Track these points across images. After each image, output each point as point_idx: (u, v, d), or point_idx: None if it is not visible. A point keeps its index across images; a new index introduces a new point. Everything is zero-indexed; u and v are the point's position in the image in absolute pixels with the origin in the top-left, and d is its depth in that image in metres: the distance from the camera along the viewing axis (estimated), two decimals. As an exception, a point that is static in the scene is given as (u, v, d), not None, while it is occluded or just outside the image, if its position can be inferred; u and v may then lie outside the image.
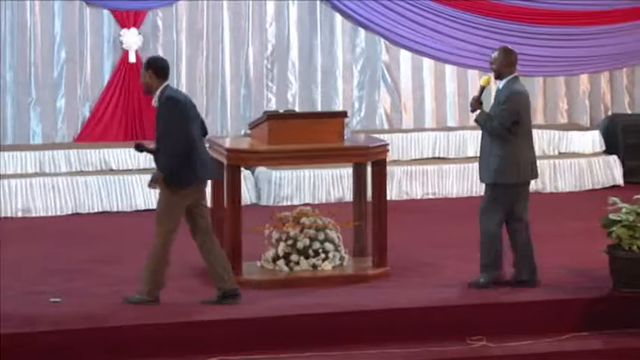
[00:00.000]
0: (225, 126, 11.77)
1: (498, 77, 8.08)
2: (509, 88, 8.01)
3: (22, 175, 10.70)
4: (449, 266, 8.68)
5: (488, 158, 7.99)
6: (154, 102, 7.60)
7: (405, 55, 12.17)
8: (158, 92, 7.56)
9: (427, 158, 11.87)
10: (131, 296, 7.62)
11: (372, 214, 8.46)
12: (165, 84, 7.60)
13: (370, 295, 7.90)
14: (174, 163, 7.46)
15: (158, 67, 7.61)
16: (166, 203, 7.60)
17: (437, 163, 11.75)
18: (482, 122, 8.03)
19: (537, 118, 12.44)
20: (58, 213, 10.59)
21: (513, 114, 7.92)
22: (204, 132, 7.76)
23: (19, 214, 10.50)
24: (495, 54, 8.11)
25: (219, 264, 7.65)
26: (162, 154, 7.54)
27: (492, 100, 8.14)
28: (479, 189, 11.60)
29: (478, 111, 8.07)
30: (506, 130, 7.90)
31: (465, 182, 11.67)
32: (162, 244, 7.61)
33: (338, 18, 11.98)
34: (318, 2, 11.89)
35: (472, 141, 11.93)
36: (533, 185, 11.67)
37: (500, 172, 7.93)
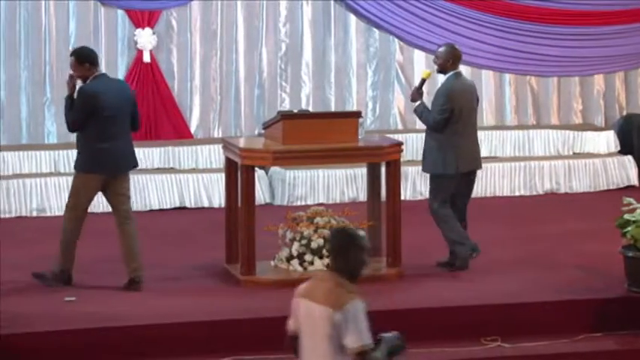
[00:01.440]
0: (239, 126, 11.78)
1: (441, 72, 8.46)
2: (448, 84, 8.39)
3: (37, 175, 10.72)
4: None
5: (427, 150, 8.47)
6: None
7: (419, 55, 12.15)
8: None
9: (441, 158, 11.84)
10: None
11: (386, 214, 8.46)
12: (98, 72, 8.09)
13: (384, 295, 7.90)
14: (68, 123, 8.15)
15: (81, 55, 8.10)
16: (71, 187, 8.14)
17: (451, 163, 11.72)
18: (419, 114, 8.51)
19: (552, 118, 12.42)
20: (73, 212, 10.59)
21: (446, 110, 8.31)
22: (134, 127, 8.33)
23: (34, 214, 10.52)
24: (441, 49, 8.49)
25: (128, 252, 8.01)
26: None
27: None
28: (493, 189, 11.60)
29: (418, 102, 8.44)
30: (438, 124, 8.33)
31: (479, 182, 11.62)
32: (65, 227, 8.08)
33: (352, 18, 11.98)
34: (332, 2, 11.89)
35: (486, 141, 11.90)
36: (548, 185, 11.76)
37: (435, 163, 8.40)
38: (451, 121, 8.36)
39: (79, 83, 8.11)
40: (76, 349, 7.04)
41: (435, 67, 8.54)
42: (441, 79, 8.66)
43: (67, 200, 8.21)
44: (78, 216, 8.11)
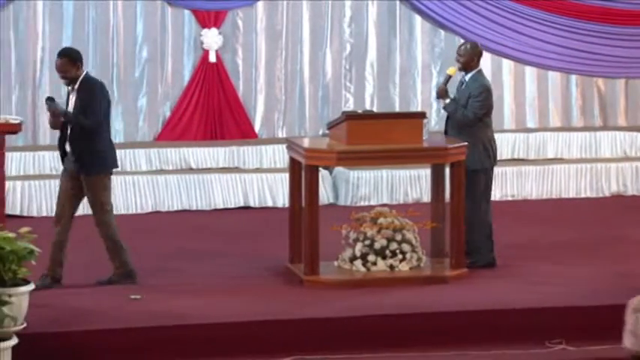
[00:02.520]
0: (304, 126, 11.80)
1: (465, 69, 8.61)
2: (481, 81, 8.62)
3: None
4: (527, 268, 8.61)
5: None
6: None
7: (484, 56, 12.06)
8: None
9: (506, 160, 11.77)
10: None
11: (450, 216, 8.42)
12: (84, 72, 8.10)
13: (448, 296, 7.87)
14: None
15: (73, 55, 8.08)
16: (103, 188, 8.07)
17: (516, 164, 11.66)
18: (452, 110, 8.58)
19: (619, 119, 12.28)
20: (139, 211, 10.69)
21: (485, 106, 8.55)
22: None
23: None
24: (464, 47, 8.69)
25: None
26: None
27: (456, 90, 8.66)
28: (558, 191, 11.51)
29: (447, 100, 8.59)
30: (478, 120, 8.50)
31: (545, 184, 11.55)
32: (114, 230, 8.12)
33: (417, 18, 11.94)
34: (397, 2, 11.87)
35: (552, 142, 11.82)
36: (615, 188, 11.63)
37: (476, 158, 8.47)
38: (486, 116, 8.59)
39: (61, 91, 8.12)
40: (140, 347, 7.09)
41: (458, 64, 8.67)
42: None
43: (100, 205, 8.02)
44: (63, 224, 8.10)
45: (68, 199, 8.04)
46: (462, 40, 11.91)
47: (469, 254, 8.48)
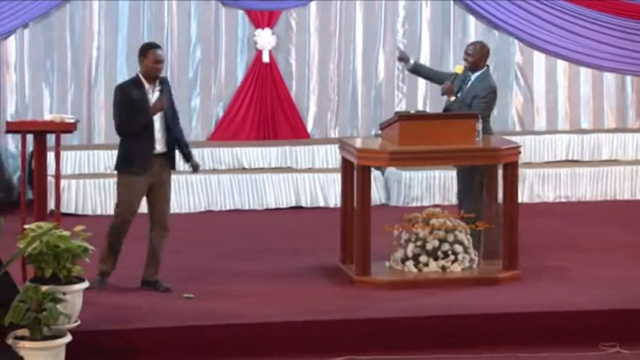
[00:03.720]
0: (356, 126, 11.80)
1: (472, 69, 8.65)
2: (487, 81, 8.69)
3: (157, 173, 10.87)
4: (581, 270, 8.54)
5: None
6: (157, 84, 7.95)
7: (538, 56, 12.02)
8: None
9: (560, 161, 11.70)
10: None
11: (502, 217, 8.38)
12: None
13: (500, 298, 7.84)
14: None
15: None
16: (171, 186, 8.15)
17: (570, 166, 11.57)
18: (457, 109, 8.59)
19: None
20: (191, 210, 10.75)
21: (490, 107, 8.70)
22: None
23: (154, 211, 10.67)
24: (474, 46, 8.77)
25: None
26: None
27: (464, 89, 8.65)
28: (613, 193, 11.40)
29: (452, 98, 8.62)
30: (484, 118, 8.54)
31: (599, 186, 11.46)
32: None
33: (471, 18, 11.90)
34: (451, 2, 11.83)
35: (607, 144, 11.72)
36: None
37: None
38: (488, 115, 8.71)
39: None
40: (191, 346, 7.13)
41: (465, 64, 8.70)
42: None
43: (169, 204, 8.11)
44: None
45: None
46: (517, 41, 11.91)
47: None
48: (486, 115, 8.64)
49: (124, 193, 7.97)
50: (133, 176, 7.91)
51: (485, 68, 8.78)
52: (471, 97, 8.63)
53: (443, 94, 8.81)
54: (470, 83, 8.69)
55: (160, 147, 7.97)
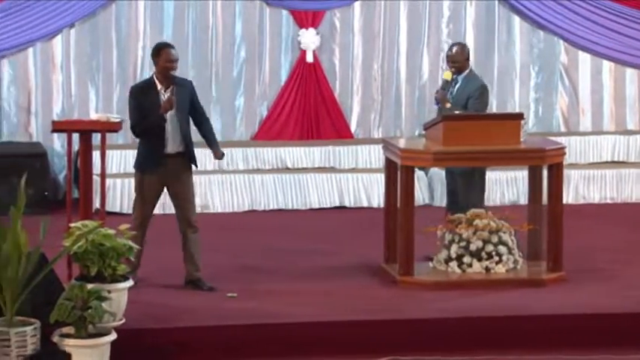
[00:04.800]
0: (399, 126, 11.78)
1: (459, 71, 8.59)
2: (478, 81, 8.66)
3: (201, 172, 10.86)
4: (626, 272, 8.48)
5: None
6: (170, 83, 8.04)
7: (584, 57, 11.94)
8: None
9: (606, 162, 11.61)
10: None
11: (547, 218, 8.34)
12: None
13: (544, 299, 7.80)
14: None
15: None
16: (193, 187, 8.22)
17: (616, 167, 11.48)
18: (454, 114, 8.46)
19: None
20: (235, 210, 10.78)
21: (486, 105, 8.65)
22: None
23: (198, 210, 10.67)
24: (456, 49, 8.68)
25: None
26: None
27: (453, 92, 8.62)
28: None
29: (448, 105, 8.54)
30: None
31: (634, 187, 11.36)
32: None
33: (516, 19, 11.84)
34: (496, 2, 11.78)
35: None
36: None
37: None
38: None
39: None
40: (235, 345, 7.15)
41: (452, 69, 8.64)
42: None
43: (191, 202, 8.17)
44: None
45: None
46: (562, 41, 11.84)
47: None
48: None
49: (137, 192, 8.12)
50: (146, 175, 8.03)
51: (470, 67, 8.75)
52: (464, 98, 8.59)
53: (437, 104, 8.75)
54: (458, 85, 8.66)
55: (173, 147, 8.03)
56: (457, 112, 8.52)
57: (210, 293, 7.90)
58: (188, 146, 8.09)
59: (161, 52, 8.09)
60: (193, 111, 8.16)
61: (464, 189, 8.64)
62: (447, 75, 8.70)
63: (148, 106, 7.98)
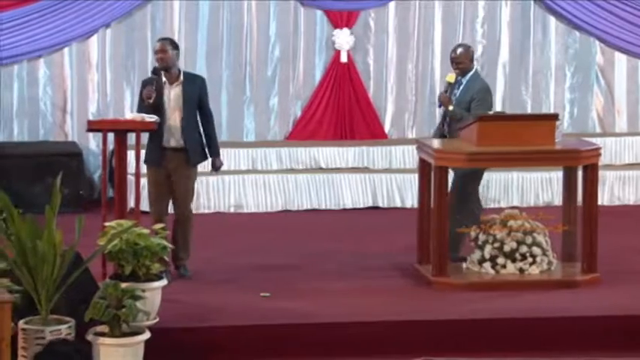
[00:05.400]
0: (434, 127, 11.72)
1: (463, 73, 8.54)
2: (481, 83, 8.63)
3: (235, 172, 10.95)
4: (662, 275, 8.43)
5: None
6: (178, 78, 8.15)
7: (619, 57, 11.87)
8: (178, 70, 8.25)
9: (640, 163, 11.56)
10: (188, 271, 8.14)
11: (581, 219, 8.30)
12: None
13: (578, 301, 7.76)
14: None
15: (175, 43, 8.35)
16: (194, 181, 8.27)
17: (651, 168, 11.42)
18: (459, 116, 8.47)
19: None
20: (269, 210, 10.79)
21: (490, 106, 8.55)
22: None
23: (232, 210, 10.76)
24: (460, 50, 8.61)
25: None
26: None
27: (457, 94, 8.56)
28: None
29: (451, 107, 8.48)
30: None
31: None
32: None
33: (551, 19, 11.79)
34: (531, 3, 11.73)
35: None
36: None
37: None
38: None
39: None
40: (268, 344, 7.16)
41: (456, 70, 8.58)
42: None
43: (191, 199, 8.26)
44: None
45: None
46: (598, 42, 11.77)
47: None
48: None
49: (148, 185, 8.24)
50: (151, 169, 8.15)
51: (475, 69, 8.71)
52: (467, 99, 8.55)
53: (440, 106, 8.71)
54: (462, 86, 8.61)
55: (174, 142, 8.12)
56: (459, 114, 8.49)
57: (245, 293, 7.90)
58: (187, 142, 8.12)
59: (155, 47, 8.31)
60: (200, 108, 8.24)
61: (463, 191, 8.59)
62: (450, 77, 8.66)
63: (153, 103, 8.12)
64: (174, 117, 8.12)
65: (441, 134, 8.76)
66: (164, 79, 8.18)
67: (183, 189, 8.16)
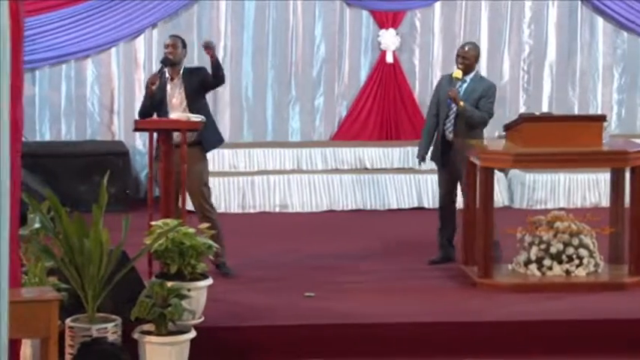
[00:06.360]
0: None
1: (467, 71, 8.51)
2: (487, 81, 8.71)
3: (280, 172, 10.97)
4: None
5: (463, 148, 8.42)
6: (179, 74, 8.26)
7: (666, 58, 11.78)
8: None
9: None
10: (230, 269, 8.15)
11: (629, 221, 8.23)
12: None
13: (625, 303, 7.69)
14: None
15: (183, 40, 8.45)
16: (207, 172, 8.32)
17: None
18: (470, 112, 8.45)
19: None
20: (313, 210, 10.80)
21: (494, 103, 8.57)
22: None
23: (277, 210, 10.78)
24: (469, 47, 8.62)
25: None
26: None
27: (461, 92, 8.50)
28: None
29: (462, 103, 8.43)
30: (490, 119, 8.58)
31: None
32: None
33: (599, 19, 11.70)
34: (579, 3, 11.65)
35: None
36: None
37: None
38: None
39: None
40: (313, 344, 7.17)
41: (460, 65, 8.55)
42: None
43: (208, 193, 8.28)
44: None
45: None
46: None
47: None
48: (492, 115, 8.59)
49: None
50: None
51: (477, 69, 8.72)
52: (476, 97, 8.51)
53: (450, 103, 8.59)
54: (466, 85, 8.56)
55: (176, 137, 8.08)
56: (470, 110, 8.45)
57: (289, 293, 7.90)
58: (198, 136, 8.16)
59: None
60: (206, 84, 8.29)
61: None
62: (458, 73, 8.60)
63: (155, 91, 8.21)
64: (177, 111, 8.19)
65: (434, 141, 8.73)
66: (167, 74, 8.28)
67: (200, 183, 8.20)
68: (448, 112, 8.61)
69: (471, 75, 8.60)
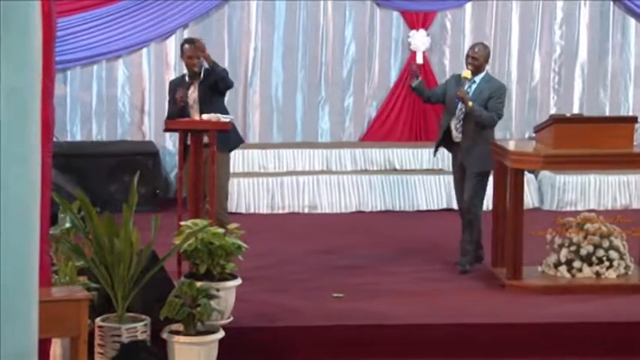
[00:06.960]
0: (509, 128, 11.68)
1: (476, 71, 8.47)
2: (497, 82, 8.65)
3: (309, 172, 10.98)
4: None
5: (474, 147, 8.38)
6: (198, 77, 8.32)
7: (699, 59, 11.71)
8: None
9: None
10: None
11: (660, 223, 8.19)
12: None
13: (655, 306, 7.66)
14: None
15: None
16: (227, 166, 8.41)
17: None
18: (479, 113, 8.39)
19: None
20: (342, 210, 10.81)
21: (504, 105, 8.53)
22: None
23: (306, 210, 10.79)
24: (479, 48, 8.57)
25: None
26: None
27: (469, 93, 8.45)
28: None
29: (471, 103, 8.36)
30: (499, 119, 8.49)
31: None
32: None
33: (631, 20, 11.65)
34: (611, 3, 11.60)
35: None
36: None
37: (485, 160, 8.37)
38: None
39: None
40: (341, 345, 7.17)
41: (469, 66, 8.51)
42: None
43: (224, 195, 8.35)
44: None
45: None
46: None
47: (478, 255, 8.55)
48: (501, 116, 8.51)
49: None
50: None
51: (486, 70, 8.66)
52: (485, 98, 8.46)
53: (458, 102, 8.55)
54: (476, 85, 8.52)
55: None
56: (478, 110, 8.40)
57: (318, 293, 7.91)
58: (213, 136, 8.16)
59: (182, 49, 8.43)
60: (218, 85, 8.31)
61: (473, 190, 8.50)
62: (467, 74, 8.56)
63: (176, 99, 8.31)
64: (196, 115, 8.26)
65: (445, 142, 8.69)
66: (188, 79, 8.38)
67: (220, 184, 8.22)
68: (457, 112, 8.57)
69: (481, 75, 8.57)
